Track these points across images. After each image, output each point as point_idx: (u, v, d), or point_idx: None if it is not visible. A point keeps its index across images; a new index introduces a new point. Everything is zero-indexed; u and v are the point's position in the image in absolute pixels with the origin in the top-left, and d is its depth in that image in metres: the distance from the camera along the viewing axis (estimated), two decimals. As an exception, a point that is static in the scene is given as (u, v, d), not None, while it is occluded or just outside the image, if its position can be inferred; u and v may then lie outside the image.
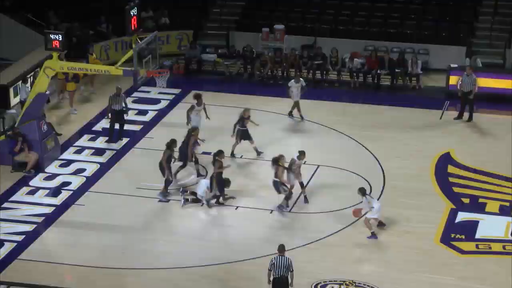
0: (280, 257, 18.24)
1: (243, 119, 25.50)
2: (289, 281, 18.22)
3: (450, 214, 22.81)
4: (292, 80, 28.30)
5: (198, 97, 26.43)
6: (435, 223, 22.30)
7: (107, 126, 27.53)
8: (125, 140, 27.08)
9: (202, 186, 23.16)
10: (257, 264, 20.20)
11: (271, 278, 18.27)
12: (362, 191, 21.65)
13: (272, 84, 32.03)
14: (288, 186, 22.83)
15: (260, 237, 21.74)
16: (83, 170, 25.28)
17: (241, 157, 25.65)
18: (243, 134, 25.45)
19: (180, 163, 24.30)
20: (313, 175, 24.70)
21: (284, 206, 22.88)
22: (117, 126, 26.92)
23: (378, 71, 31.54)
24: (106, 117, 27.62)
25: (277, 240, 20.35)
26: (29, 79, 28.65)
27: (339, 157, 25.75)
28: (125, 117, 27.17)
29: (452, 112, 29.19)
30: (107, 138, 27.06)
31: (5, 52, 31.53)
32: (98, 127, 28.20)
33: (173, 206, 23.25)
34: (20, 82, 28.17)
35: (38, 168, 25.11)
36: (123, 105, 27.00)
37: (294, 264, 18.32)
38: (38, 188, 24.26)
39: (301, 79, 28.36)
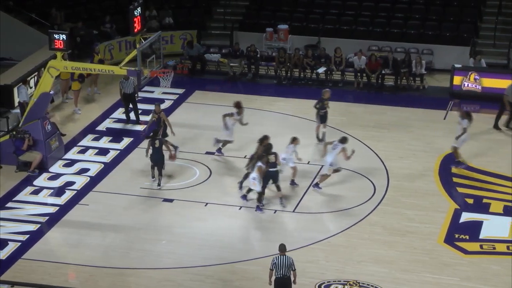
0: (282, 256, 18.24)
1: (322, 100, 26.14)
2: (292, 278, 18.24)
3: (454, 214, 22.80)
4: (465, 120, 25.11)
5: (239, 106, 25.79)
6: (439, 223, 22.30)
7: (112, 126, 28.06)
8: (128, 140, 27.14)
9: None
10: (261, 264, 20.21)
11: (273, 278, 18.26)
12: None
13: (276, 84, 32.05)
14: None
15: (263, 237, 21.74)
16: (87, 170, 25.31)
17: (245, 157, 25.64)
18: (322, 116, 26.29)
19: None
20: (317, 175, 24.70)
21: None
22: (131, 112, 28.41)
23: (383, 71, 31.51)
24: (121, 101, 28.81)
25: (280, 240, 20.33)
26: (31, 81, 28.66)
27: (342, 157, 25.71)
28: (136, 99, 28.59)
29: (456, 112, 29.19)
30: (111, 138, 27.31)
31: (9, 52, 31.52)
32: (102, 127, 28.26)
33: (176, 206, 23.27)
34: (20, 84, 28.14)
35: (42, 167, 25.14)
36: (133, 89, 27.85)
37: (296, 263, 18.29)
38: (42, 188, 24.30)
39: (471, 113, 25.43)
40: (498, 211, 22.98)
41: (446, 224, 22.28)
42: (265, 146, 23.19)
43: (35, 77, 28.75)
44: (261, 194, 22.83)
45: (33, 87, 27.87)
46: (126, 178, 24.92)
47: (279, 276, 18.13)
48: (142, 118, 28.43)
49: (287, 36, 33.87)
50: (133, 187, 24.21)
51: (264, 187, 22.77)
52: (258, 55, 32.77)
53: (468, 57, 32.07)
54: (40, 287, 19.40)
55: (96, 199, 23.75)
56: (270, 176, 22.88)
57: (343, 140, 23.82)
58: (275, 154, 23.02)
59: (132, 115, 28.47)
